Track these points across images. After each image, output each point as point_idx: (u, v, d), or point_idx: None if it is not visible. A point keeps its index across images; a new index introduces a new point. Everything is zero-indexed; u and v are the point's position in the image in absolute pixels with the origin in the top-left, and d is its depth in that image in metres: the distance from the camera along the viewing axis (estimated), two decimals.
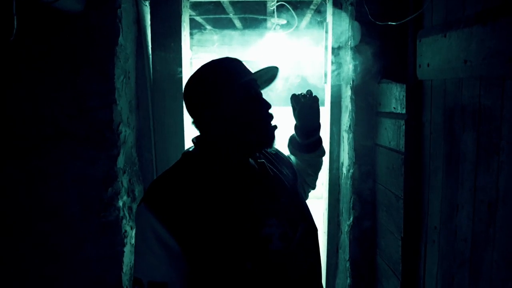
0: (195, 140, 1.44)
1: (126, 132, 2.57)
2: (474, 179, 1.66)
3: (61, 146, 2.39)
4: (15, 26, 1.46)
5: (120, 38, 2.43)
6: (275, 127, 1.40)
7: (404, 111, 2.14)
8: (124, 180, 2.57)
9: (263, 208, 1.36)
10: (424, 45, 2.00)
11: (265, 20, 4.40)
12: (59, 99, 2.36)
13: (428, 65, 1.96)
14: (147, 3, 2.73)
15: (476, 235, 1.65)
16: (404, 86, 2.13)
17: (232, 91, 1.33)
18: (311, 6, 3.56)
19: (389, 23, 2.19)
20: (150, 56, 2.77)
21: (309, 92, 1.73)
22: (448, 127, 1.84)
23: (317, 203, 3.82)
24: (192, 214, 1.25)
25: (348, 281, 2.73)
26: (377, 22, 2.31)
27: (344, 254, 2.82)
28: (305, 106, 1.72)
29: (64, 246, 2.44)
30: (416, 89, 2.10)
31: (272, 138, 1.39)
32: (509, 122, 1.45)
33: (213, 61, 1.42)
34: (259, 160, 1.48)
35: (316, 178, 1.87)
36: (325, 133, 3.02)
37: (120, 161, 2.50)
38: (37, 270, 2.45)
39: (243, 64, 1.42)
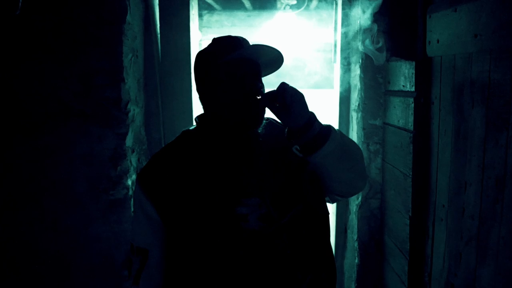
0: (196, 118, 1.48)
1: (135, 111, 2.58)
2: (483, 155, 1.63)
3: (68, 123, 2.39)
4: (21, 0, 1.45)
5: (128, 16, 2.42)
6: (258, 109, 1.35)
7: (413, 89, 2.11)
8: (133, 159, 2.58)
9: (244, 186, 1.34)
10: (433, 21, 1.96)
11: (274, 0, 4.35)
12: (66, 76, 2.36)
13: (437, 41, 1.93)
14: None
15: (484, 212, 1.64)
16: (414, 63, 2.10)
17: (214, 69, 1.35)
18: None
19: None
20: (159, 36, 2.76)
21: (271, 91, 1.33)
22: (457, 103, 1.82)
23: None
24: (174, 189, 1.34)
25: (356, 260, 2.74)
26: None
27: (352, 234, 2.82)
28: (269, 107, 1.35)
29: (73, 223, 2.46)
30: (425, 66, 2.07)
31: (249, 120, 1.35)
32: None
33: (214, 38, 1.43)
34: (260, 139, 1.44)
35: (336, 181, 1.44)
36: (334, 113, 3.00)
37: (129, 140, 2.51)
38: (46, 246, 2.48)
39: (239, 43, 1.37)
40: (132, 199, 2.52)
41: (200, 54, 1.43)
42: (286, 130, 1.36)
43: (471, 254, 1.73)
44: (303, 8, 3.77)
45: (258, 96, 1.33)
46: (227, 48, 1.35)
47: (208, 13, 4.75)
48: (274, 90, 1.30)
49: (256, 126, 1.39)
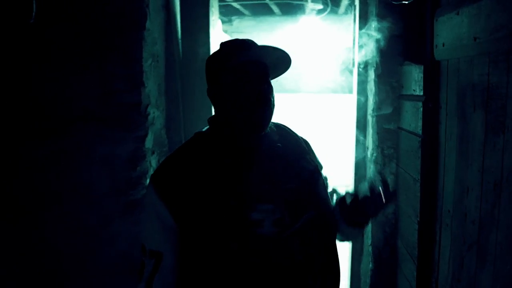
0: (208, 120, 1.49)
1: (155, 114, 2.65)
2: (482, 159, 1.61)
3: (88, 127, 2.47)
4: (34, 9, 1.55)
5: (147, 23, 2.50)
6: (264, 110, 1.36)
7: (421, 93, 2.10)
8: (152, 160, 2.66)
9: (258, 192, 1.35)
10: (440, 24, 1.95)
11: (302, 5, 4.39)
12: (86, 81, 2.44)
13: (443, 44, 1.92)
14: None
15: (483, 216, 1.61)
16: (422, 67, 2.09)
17: (222, 72, 1.37)
18: None
19: (403, 1, 2.15)
20: (180, 41, 2.85)
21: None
22: (461, 107, 1.80)
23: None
24: (188, 192, 1.32)
25: (370, 265, 2.72)
26: (393, 2, 2.26)
27: (367, 239, 2.80)
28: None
29: (93, 222, 2.52)
30: (433, 70, 2.05)
31: (256, 124, 1.36)
32: None
33: (221, 42, 1.46)
34: (272, 145, 1.45)
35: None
36: (351, 118, 3.01)
37: (148, 142, 2.58)
38: (66, 246, 2.55)
39: (246, 45, 1.38)
40: None
41: (209, 58, 1.45)
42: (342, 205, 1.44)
43: (472, 259, 1.70)
44: (326, 12, 3.79)
45: (265, 97, 1.36)
46: (234, 51, 1.36)
47: (237, 18, 4.84)
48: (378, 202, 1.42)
49: (262, 127, 1.39)
